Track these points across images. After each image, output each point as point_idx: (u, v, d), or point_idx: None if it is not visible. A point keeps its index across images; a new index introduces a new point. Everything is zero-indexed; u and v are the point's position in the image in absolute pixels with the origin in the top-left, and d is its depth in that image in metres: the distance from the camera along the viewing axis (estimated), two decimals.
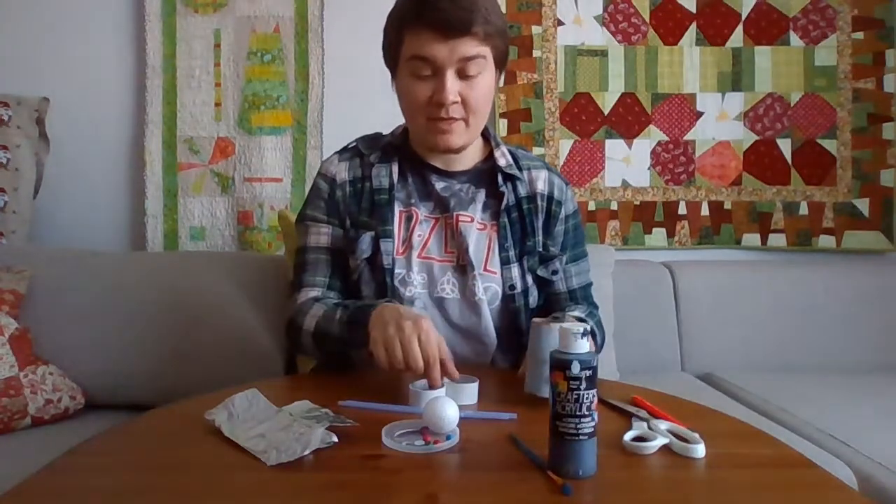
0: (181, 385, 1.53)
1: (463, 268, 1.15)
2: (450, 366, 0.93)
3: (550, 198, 1.23)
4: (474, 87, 1.10)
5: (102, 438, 0.84)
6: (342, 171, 1.21)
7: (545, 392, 0.87)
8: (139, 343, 1.62)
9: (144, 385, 1.60)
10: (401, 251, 1.15)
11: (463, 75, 1.09)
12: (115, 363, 1.60)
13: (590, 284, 1.30)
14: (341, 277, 1.19)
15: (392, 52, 1.15)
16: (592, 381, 0.71)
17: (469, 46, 1.07)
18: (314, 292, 1.17)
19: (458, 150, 1.17)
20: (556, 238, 1.23)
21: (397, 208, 1.18)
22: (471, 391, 0.94)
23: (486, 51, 1.10)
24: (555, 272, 1.22)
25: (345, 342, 1.05)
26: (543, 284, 1.21)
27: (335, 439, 0.76)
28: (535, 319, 0.95)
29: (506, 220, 1.18)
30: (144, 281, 1.69)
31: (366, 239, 1.15)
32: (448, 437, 0.79)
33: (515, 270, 1.16)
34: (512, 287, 1.16)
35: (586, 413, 0.70)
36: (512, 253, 1.17)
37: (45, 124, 1.89)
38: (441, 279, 1.14)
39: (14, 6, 2.03)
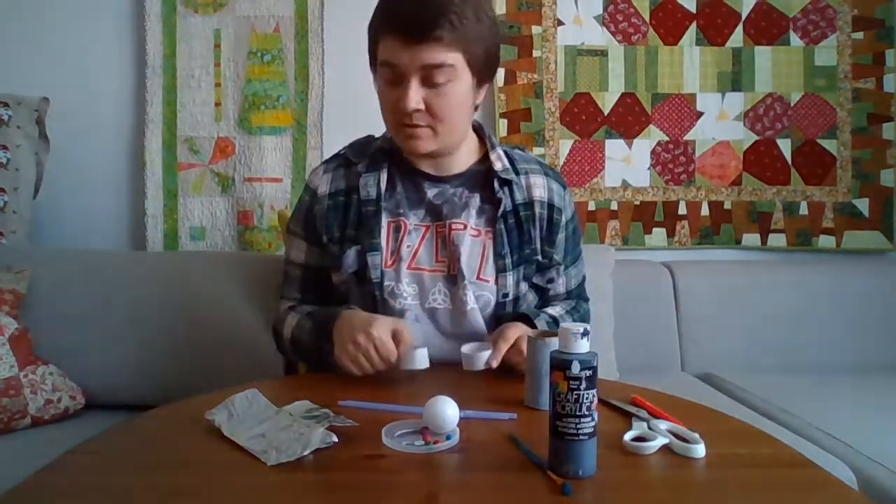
0: (181, 385, 1.53)
1: (454, 277, 1.13)
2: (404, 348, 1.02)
3: (551, 205, 1.19)
4: (441, 96, 1.06)
5: (102, 438, 0.84)
6: (324, 185, 1.20)
7: (542, 405, 0.89)
8: (139, 343, 1.62)
9: (144, 385, 1.61)
10: (389, 263, 1.13)
11: (429, 83, 1.05)
12: (115, 363, 1.60)
13: (583, 279, 1.29)
14: (315, 292, 1.23)
15: (371, 55, 1.13)
16: (592, 381, 0.71)
17: (432, 53, 1.03)
18: (289, 304, 1.25)
19: (433, 155, 1.14)
20: (559, 246, 1.21)
21: (385, 219, 1.15)
22: (422, 356, 1.01)
23: (455, 57, 1.04)
24: (550, 280, 1.21)
25: (316, 350, 1.12)
26: (537, 290, 1.20)
27: (335, 439, 0.76)
28: (530, 334, 0.95)
29: (502, 226, 1.15)
30: (144, 281, 1.69)
31: (350, 254, 1.14)
32: (448, 437, 0.79)
33: (511, 278, 1.14)
34: (505, 295, 1.14)
35: (586, 413, 0.70)
36: (509, 261, 1.14)
37: (45, 124, 1.89)
38: (432, 290, 1.13)
39: (14, 6, 2.03)
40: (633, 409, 0.90)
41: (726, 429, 0.89)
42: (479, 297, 1.12)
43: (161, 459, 0.77)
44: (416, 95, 1.05)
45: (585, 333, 0.72)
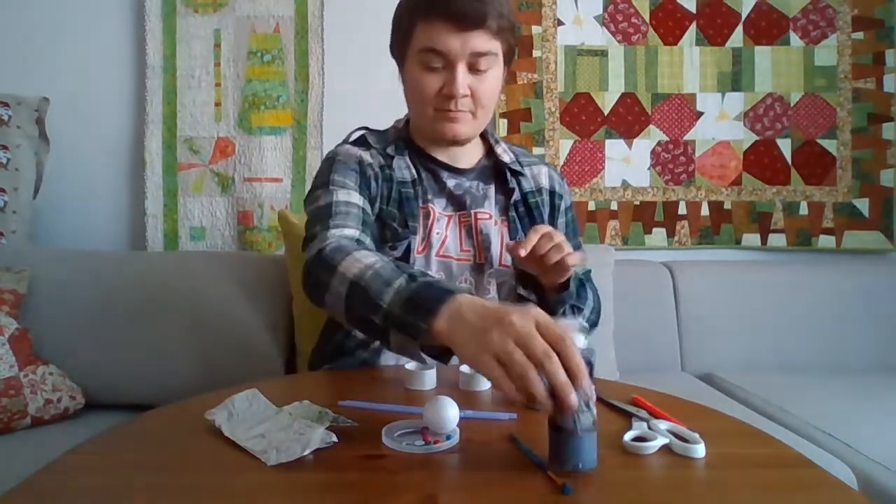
0: (181, 385, 1.54)
1: (480, 266, 1.15)
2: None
3: (552, 192, 1.26)
4: (483, 81, 1.11)
5: (102, 438, 0.84)
6: (366, 156, 1.16)
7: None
8: (139, 343, 1.62)
9: (144, 385, 1.61)
10: (420, 249, 1.14)
11: (473, 69, 1.09)
12: (115, 363, 1.60)
13: (589, 271, 1.31)
14: (372, 239, 1.03)
15: (401, 42, 1.14)
16: (590, 376, 0.71)
17: (482, 41, 1.07)
18: (350, 232, 0.98)
19: (462, 142, 1.17)
20: (560, 230, 1.24)
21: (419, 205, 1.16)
22: (430, 377, 0.95)
23: (497, 46, 1.10)
24: None
25: (393, 320, 0.79)
26: None
27: (335, 439, 0.76)
28: None
29: (514, 214, 1.19)
30: (144, 281, 1.69)
31: (406, 239, 1.11)
32: (448, 437, 0.79)
33: None
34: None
35: (584, 408, 0.70)
36: None
37: (45, 124, 1.89)
38: (459, 278, 1.14)
39: (14, 6, 2.03)
40: (633, 409, 0.90)
41: (726, 429, 0.89)
42: (501, 284, 1.15)
43: (161, 459, 0.77)
44: (464, 81, 1.09)
45: (584, 329, 0.72)
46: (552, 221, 1.24)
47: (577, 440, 0.70)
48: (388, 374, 1.09)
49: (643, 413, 0.88)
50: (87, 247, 1.97)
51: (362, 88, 2.07)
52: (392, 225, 1.12)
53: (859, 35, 2.19)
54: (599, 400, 0.94)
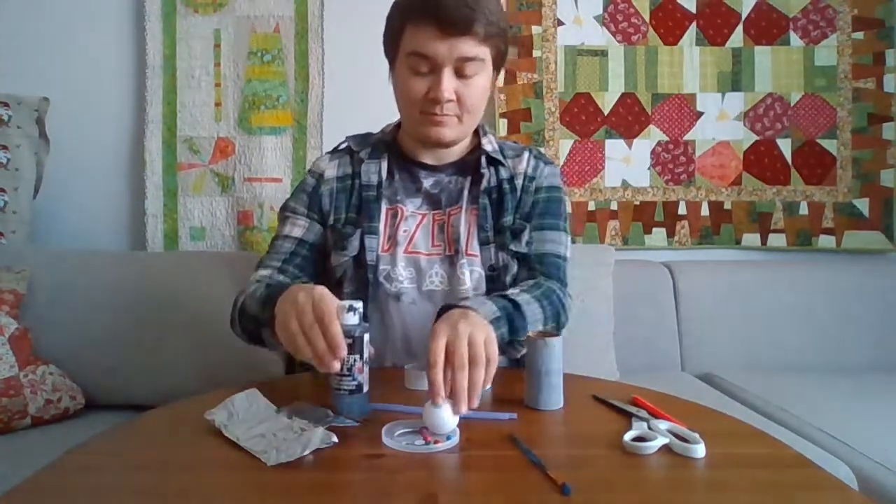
0: (181, 385, 1.54)
1: (451, 258, 1.15)
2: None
3: (525, 175, 1.24)
4: (470, 86, 1.11)
5: (102, 438, 0.84)
6: (330, 169, 1.23)
7: (542, 405, 0.90)
8: (139, 343, 1.62)
9: (144, 385, 1.61)
10: (386, 248, 1.16)
11: (460, 74, 1.10)
12: (115, 363, 1.61)
13: (558, 257, 1.20)
14: (298, 268, 1.17)
15: (392, 43, 1.15)
16: (354, 348, 0.82)
17: (468, 47, 1.08)
18: (265, 272, 1.16)
19: (447, 144, 1.19)
20: (523, 209, 1.21)
21: (384, 206, 1.19)
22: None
23: (484, 52, 1.11)
24: (528, 243, 1.19)
25: (256, 320, 1.02)
26: (521, 259, 1.19)
27: (335, 439, 0.76)
28: (530, 333, 0.95)
29: (486, 201, 1.19)
30: (144, 281, 1.69)
31: (355, 237, 1.16)
32: (448, 437, 0.79)
33: (493, 249, 1.17)
34: (492, 268, 1.15)
35: (346, 374, 0.83)
36: (491, 233, 1.18)
37: (45, 124, 1.89)
38: (429, 272, 1.15)
39: (14, 6, 2.03)
40: (633, 409, 0.90)
41: (726, 429, 0.89)
42: (471, 273, 1.14)
43: (161, 459, 0.77)
44: (450, 85, 1.10)
45: (352, 309, 0.83)
46: (519, 202, 1.20)
47: (341, 397, 0.84)
48: (388, 374, 1.09)
49: (643, 413, 0.88)
50: (87, 247, 1.97)
51: (362, 88, 2.06)
52: (341, 229, 1.18)
53: (859, 35, 2.19)
54: (599, 400, 0.94)
